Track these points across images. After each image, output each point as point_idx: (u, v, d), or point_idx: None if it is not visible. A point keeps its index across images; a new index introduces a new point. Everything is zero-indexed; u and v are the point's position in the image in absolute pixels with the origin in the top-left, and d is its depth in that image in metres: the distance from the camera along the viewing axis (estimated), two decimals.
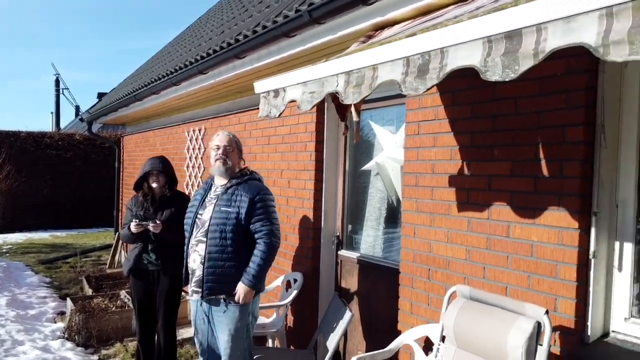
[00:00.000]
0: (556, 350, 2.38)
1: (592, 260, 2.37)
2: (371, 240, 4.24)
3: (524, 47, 1.34)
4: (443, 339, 2.43)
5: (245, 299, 3.07)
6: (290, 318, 4.49)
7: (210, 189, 3.33)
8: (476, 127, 2.86)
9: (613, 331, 2.39)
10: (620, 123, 2.39)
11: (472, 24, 1.46)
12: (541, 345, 1.96)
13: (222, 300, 3.11)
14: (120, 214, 10.56)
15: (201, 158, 6.55)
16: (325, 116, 4.34)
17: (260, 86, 2.60)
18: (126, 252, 8.72)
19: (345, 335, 4.11)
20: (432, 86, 1.62)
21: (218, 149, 3.27)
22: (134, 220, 3.77)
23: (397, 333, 3.30)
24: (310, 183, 4.36)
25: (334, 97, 2.21)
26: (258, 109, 2.82)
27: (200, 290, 3.09)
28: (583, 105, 2.38)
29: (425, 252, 3.15)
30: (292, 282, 4.35)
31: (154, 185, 3.94)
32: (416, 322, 3.17)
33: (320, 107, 4.21)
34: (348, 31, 3.16)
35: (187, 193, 6.50)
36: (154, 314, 3.97)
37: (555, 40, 1.27)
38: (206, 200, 3.26)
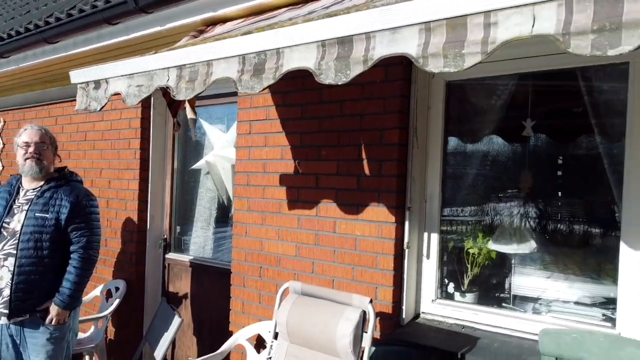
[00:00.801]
0: (377, 334, 2.60)
1: (406, 250, 2.64)
2: (201, 241, 4.13)
3: (355, 53, 1.43)
4: (276, 335, 2.47)
5: (59, 321, 2.74)
6: (112, 330, 4.13)
7: (17, 192, 2.87)
8: (305, 127, 2.97)
9: (423, 312, 2.70)
10: (428, 127, 2.71)
11: (308, 27, 1.51)
12: (366, 332, 2.12)
13: (38, 319, 2.72)
14: None
15: None
16: (152, 112, 4.10)
17: (77, 76, 2.33)
18: None
19: (174, 342, 3.93)
20: (269, 86, 1.64)
21: (28, 146, 2.84)
22: None
23: (229, 334, 3.26)
24: (135, 183, 4.07)
25: (164, 91, 2.10)
26: (74, 100, 2.53)
27: (8, 311, 2.66)
28: (398, 110, 2.63)
29: (257, 250, 3.17)
30: (114, 290, 4.01)
31: None
32: (248, 321, 3.17)
33: (146, 102, 3.95)
34: (178, 24, 3.03)
35: None
36: None
37: (382, 49, 1.37)
38: (14, 206, 2.81)
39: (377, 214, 2.66)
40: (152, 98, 3.88)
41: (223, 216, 4.06)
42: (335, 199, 2.83)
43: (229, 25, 2.75)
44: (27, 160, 2.84)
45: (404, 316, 2.64)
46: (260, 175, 3.18)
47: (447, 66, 1.25)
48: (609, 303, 2.31)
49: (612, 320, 2.24)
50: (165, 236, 4.17)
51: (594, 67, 2.33)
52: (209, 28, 2.89)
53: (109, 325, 4.05)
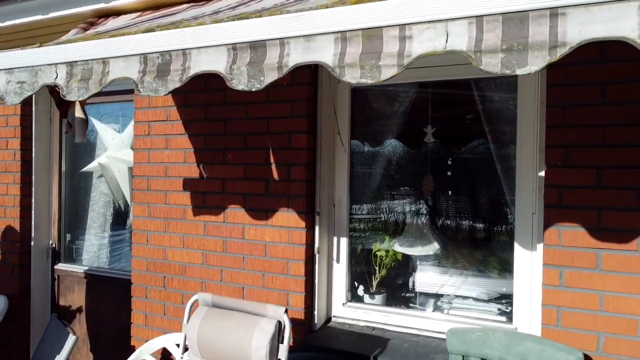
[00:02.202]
0: (290, 342, 2.56)
1: (317, 255, 2.62)
2: (95, 250, 3.83)
3: (268, 59, 1.37)
4: (185, 349, 2.34)
5: None
6: None
7: None
8: (210, 129, 2.85)
9: (334, 316, 2.70)
10: (334, 131, 2.71)
11: (217, 28, 1.42)
12: (282, 343, 2.07)
13: None
14: None
15: None
16: (34, 108, 3.71)
17: None
18: None
19: None
20: (175, 89, 1.52)
21: None
22: None
23: (132, 349, 3.05)
24: (16, 188, 3.66)
25: (52, 88, 1.88)
26: None
27: None
28: (305, 115, 2.60)
29: (160, 259, 2.99)
30: None
31: None
32: (152, 335, 2.98)
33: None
34: (63, 13, 2.74)
35: None
36: None
37: (297, 56, 1.32)
38: None
39: (287, 219, 2.62)
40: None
41: (120, 222, 3.79)
42: (244, 204, 2.74)
43: (123, 19, 2.54)
44: None
45: (316, 321, 2.62)
46: (162, 179, 3.00)
47: (364, 77, 1.23)
48: (504, 298, 2.46)
49: (506, 314, 2.39)
50: (54, 245, 3.81)
51: (486, 79, 2.47)
52: (100, 20, 2.66)
53: None
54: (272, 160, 2.68)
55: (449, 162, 2.78)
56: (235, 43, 1.40)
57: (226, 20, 1.43)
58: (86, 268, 3.70)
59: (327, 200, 2.71)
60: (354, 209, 2.78)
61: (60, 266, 3.79)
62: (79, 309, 3.67)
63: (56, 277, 3.79)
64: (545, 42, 1.07)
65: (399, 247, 2.70)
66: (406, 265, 2.75)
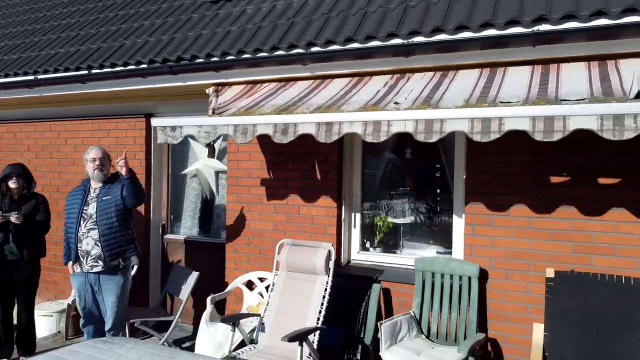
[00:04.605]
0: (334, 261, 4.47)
1: (343, 224, 4.55)
2: (189, 225, 5.76)
3: (333, 129, 3.27)
4: (262, 279, 4.27)
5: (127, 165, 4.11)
6: None
7: (88, 190, 4.34)
8: (277, 149, 4.75)
9: (352, 259, 4.63)
10: (352, 150, 4.63)
11: (311, 116, 3.34)
12: (331, 260, 4.01)
13: (116, 268, 4.21)
14: None
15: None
16: (152, 133, 5.62)
17: (157, 122, 3.94)
18: None
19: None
20: (291, 140, 3.44)
21: (95, 161, 4.32)
22: None
23: (221, 285, 4.97)
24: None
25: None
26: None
27: (98, 264, 4.14)
28: (336, 141, 4.51)
29: (245, 227, 4.91)
30: None
31: (13, 186, 4.57)
32: (239, 274, 4.90)
33: (148, 124, 5.50)
34: (194, 83, 4.66)
35: None
36: (12, 298, 4.62)
37: (346, 129, 3.23)
38: (88, 199, 4.28)
39: (326, 202, 4.54)
40: (150, 121, 5.39)
41: (206, 208, 5.72)
42: (299, 194, 4.66)
43: (235, 89, 4.46)
44: (95, 171, 4.32)
45: (342, 261, 4.56)
46: (246, 179, 4.92)
47: (374, 139, 3.14)
48: (448, 245, 4.37)
49: (449, 253, 4.31)
50: (164, 222, 5.74)
51: None
52: (220, 88, 4.57)
53: None
54: (316, 168, 4.60)
55: (422, 169, 4.68)
56: (319, 122, 3.32)
57: (315, 112, 3.36)
58: (185, 237, 5.62)
59: (348, 192, 4.63)
60: (365, 197, 4.70)
61: (168, 236, 5.73)
62: (180, 263, 5.59)
63: (165, 243, 5.72)
64: (438, 131, 2.98)
65: (391, 219, 4.62)
66: (395, 231, 4.67)
